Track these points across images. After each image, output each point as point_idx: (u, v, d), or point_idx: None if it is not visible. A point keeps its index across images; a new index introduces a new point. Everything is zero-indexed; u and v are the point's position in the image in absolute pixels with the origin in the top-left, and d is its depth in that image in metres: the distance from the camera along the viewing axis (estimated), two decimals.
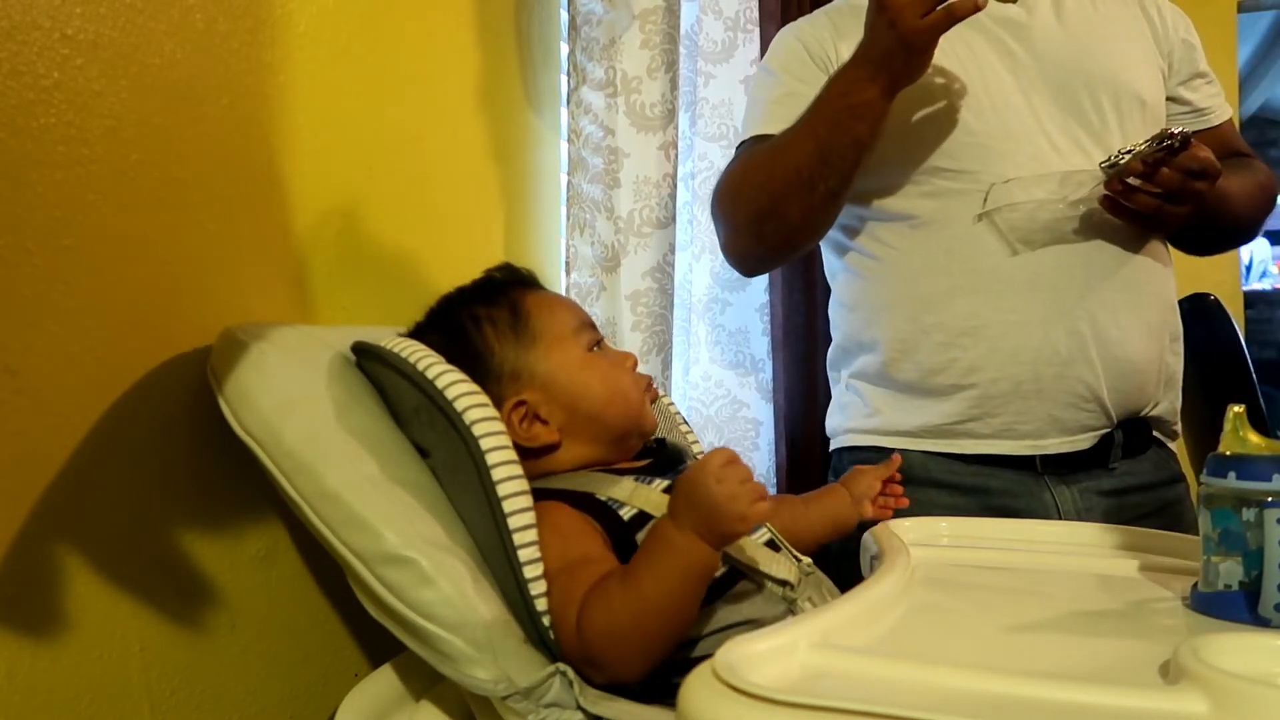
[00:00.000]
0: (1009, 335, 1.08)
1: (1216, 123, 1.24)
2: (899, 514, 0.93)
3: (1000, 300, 1.08)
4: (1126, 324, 1.09)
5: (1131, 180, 1.02)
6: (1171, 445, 1.19)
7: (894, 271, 1.15)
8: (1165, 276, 1.16)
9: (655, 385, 0.92)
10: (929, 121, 1.12)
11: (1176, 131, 0.98)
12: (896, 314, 1.15)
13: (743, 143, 1.23)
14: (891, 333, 1.15)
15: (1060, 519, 1.08)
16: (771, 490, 1.65)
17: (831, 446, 1.25)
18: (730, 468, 0.67)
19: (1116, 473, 1.12)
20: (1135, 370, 1.09)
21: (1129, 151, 1.01)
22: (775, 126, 1.15)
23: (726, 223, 1.19)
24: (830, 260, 1.27)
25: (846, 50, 1.15)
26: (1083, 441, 1.10)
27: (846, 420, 1.22)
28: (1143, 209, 1.04)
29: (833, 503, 0.94)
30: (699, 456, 0.95)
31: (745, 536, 0.78)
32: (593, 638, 0.68)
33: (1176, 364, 1.18)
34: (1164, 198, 1.03)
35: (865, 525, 0.90)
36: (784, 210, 1.10)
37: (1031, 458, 1.10)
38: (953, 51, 1.14)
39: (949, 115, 1.12)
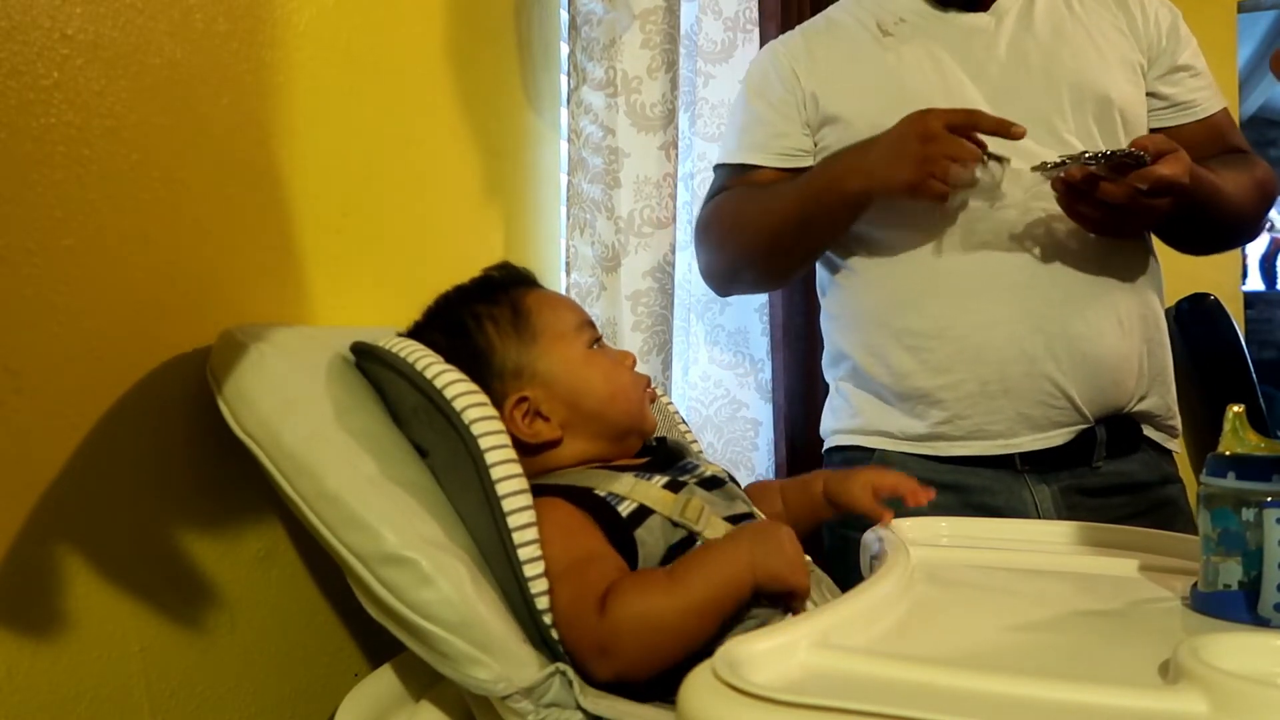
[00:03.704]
0: (973, 336, 1.10)
1: (1202, 116, 1.21)
2: (897, 514, 0.93)
3: (965, 302, 1.10)
4: (1094, 320, 1.09)
5: (1072, 183, 1.02)
6: (1171, 444, 1.19)
7: (867, 279, 1.18)
8: (1141, 270, 1.15)
9: (654, 386, 0.92)
10: None
11: (1109, 152, 0.99)
12: (869, 320, 1.18)
13: (718, 166, 1.30)
14: (865, 338, 1.18)
15: (1039, 517, 1.09)
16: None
17: (824, 447, 1.27)
18: (796, 543, 0.73)
19: (1101, 471, 1.12)
20: (1107, 366, 1.10)
21: (1072, 158, 1.01)
22: (745, 155, 1.24)
23: (707, 257, 1.29)
24: (818, 272, 1.30)
25: (815, 70, 1.19)
26: (1056, 438, 1.11)
27: (835, 422, 1.25)
28: (1086, 215, 1.05)
29: (811, 501, 0.93)
30: (700, 454, 0.96)
31: (731, 508, 0.82)
32: (623, 624, 0.68)
33: (1163, 357, 1.17)
34: (1111, 209, 1.02)
35: (866, 524, 0.89)
36: (762, 267, 1.24)
37: (1009, 456, 1.11)
38: (916, 62, 1.16)
39: None
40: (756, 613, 0.74)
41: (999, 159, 1.07)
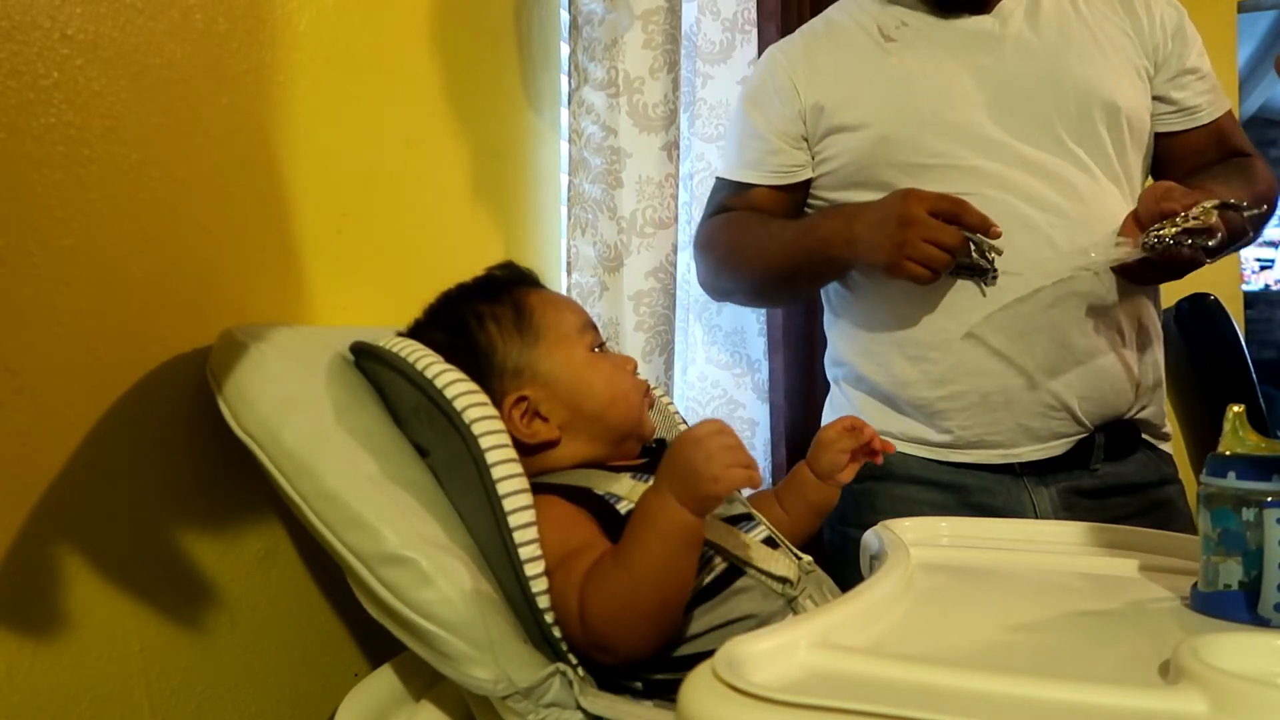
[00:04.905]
0: (976, 349, 1.09)
1: (1207, 120, 1.20)
2: (896, 513, 0.92)
3: (967, 315, 1.09)
4: (1094, 333, 1.09)
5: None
6: (1164, 447, 1.19)
7: (871, 287, 1.18)
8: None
9: (657, 388, 0.92)
10: (892, 145, 1.13)
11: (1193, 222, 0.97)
12: (873, 329, 1.18)
13: (719, 179, 1.32)
14: (868, 345, 1.18)
15: (1037, 518, 1.09)
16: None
17: None
18: (714, 436, 0.67)
19: (1099, 473, 1.13)
20: (1108, 378, 1.10)
21: (1168, 238, 0.98)
22: (743, 173, 1.26)
23: (704, 273, 1.33)
24: None
25: (817, 80, 1.19)
26: (1056, 448, 1.11)
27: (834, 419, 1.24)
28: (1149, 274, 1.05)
29: (804, 492, 0.90)
30: None
31: (729, 509, 0.80)
32: (595, 621, 0.69)
33: (1159, 366, 1.18)
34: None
35: (865, 522, 0.89)
36: (752, 298, 1.37)
37: (1009, 463, 1.11)
38: (920, 68, 1.15)
39: (911, 138, 1.12)
40: (756, 612, 0.74)
41: (995, 251, 1.05)
